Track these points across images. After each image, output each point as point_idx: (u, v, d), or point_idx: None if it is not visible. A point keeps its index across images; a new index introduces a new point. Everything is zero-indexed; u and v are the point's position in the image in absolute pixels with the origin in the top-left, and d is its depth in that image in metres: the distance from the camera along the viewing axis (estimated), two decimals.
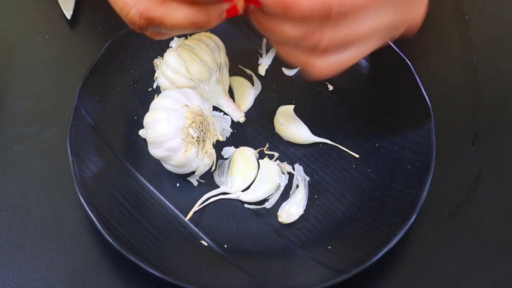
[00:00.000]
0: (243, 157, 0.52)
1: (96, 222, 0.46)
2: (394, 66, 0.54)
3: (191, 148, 0.48)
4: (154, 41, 0.55)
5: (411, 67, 0.53)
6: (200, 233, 0.49)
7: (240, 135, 0.54)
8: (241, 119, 0.55)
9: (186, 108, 0.48)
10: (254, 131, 0.55)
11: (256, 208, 0.50)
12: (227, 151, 0.53)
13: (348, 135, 0.54)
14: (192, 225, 0.49)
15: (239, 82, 0.57)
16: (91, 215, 0.46)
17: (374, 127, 0.54)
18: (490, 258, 0.48)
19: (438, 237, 0.49)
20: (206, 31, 0.53)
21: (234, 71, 0.57)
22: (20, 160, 0.53)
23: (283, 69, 0.58)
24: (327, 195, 0.51)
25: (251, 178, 0.51)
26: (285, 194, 0.51)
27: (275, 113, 0.55)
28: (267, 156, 0.53)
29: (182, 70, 0.51)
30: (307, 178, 0.51)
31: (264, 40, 0.59)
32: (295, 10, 0.37)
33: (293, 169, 0.52)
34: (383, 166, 0.51)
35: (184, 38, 0.53)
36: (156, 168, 0.51)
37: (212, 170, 0.51)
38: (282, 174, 0.52)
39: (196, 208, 0.50)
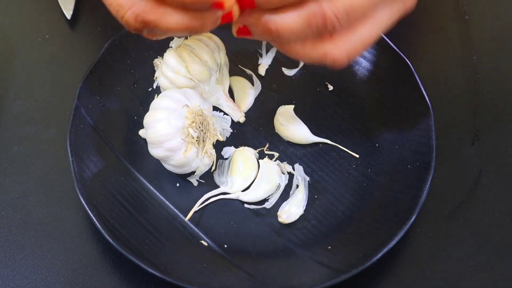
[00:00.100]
0: (243, 157, 0.52)
1: (96, 222, 0.46)
2: (394, 66, 0.54)
3: (191, 148, 0.48)
4: (154, 41, 0.55)
5: (411, 67, 0.53)
6: (200, 233, 0.49)
7: (240, 135, 0.54)
8: (241, 119, 0.55)
9: (186, 108, 0.48)
10: (254, 131, 0.55)
11: (256, 208, 0.50)
12: (227, 151, 0.53)
13: (348, 135, 0.54)
14: (192, 225, 0.49)
15: (239, 82, 0.57)
16: (91, 215, 0.46)
17: (374, 127, 0.54)
18: (490, 258, 0.48)
19: (438, 237, 0.49)
20: None
21: (234, 71, 0.57)
22: (20, 160, 0.53)
23: (283, 69, 0.58)
24: (327, 195, 0.51)
25: (251, 178, 0.51)
26: (285, 194, 0.51)
27: (275, 113, 0.55)
28: (267, 156, 0.53)
29: (182, 70, 0.51)
30: (307, 178, 0.51)
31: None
32: None
33: (293, 169, 0.52)
34: (383, 166, 0.51)
35: (184, 38, 0.53)
36: (156, 168, 0.51)
37: (212, 170, 0.51)
38: (282, 174, 0.52)
39: (196, 208, 0.50)
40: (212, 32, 0.53)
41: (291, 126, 0.53)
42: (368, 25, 0.40)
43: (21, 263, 0.48)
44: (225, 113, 0.55)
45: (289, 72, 0.58)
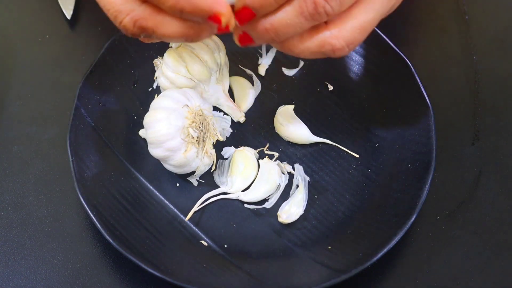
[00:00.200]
0: (243, 157, 0.52)
1: (96, 222, 0.46)
2: (394, 66, 0.54)
3: (191, 148, 0.48)
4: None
5: (411, 67, 0.53)
6: (200, 233, 0.49)
7: (240, 135, 0.54)
8: (241, 119, 0.55)
9: (186, 108, 0.48)
10: (254, 131, 0.55)
11: (256, 208, 0.50)
12: (227, 151, 0.53)
13: (348, 135, 0.54)
14: (192, 225, 0.49)
15: (239, 82, 0.57)
16: (91, 215, 0.46)
17: (374, 127, 0.54)
18: (490, 258, 0.48)
19: (438, 237, 0.49)
20: None
21: (234, 71, 0.57)
22: (20, 160, 0.53)
23: (283, 69, 0.58)
24: (327, 195, 0.51)
25: (251, 178, 0.51)
26: (285, 194, 0.51)
27: (275, 113, 0.55)
28: (267, 156, 0.53)
29: (182, 70, 0.51)
30: (307, 178, 0.51)
31: None
32: None
33: (293, 169, 0.52)
34: (383, 166, 0.51)
35: None
36: (156, 168, 0.51)
37: (212, 170, 0.51)
38: (282, 174, 0.52)
39: (196, 208, 0.50)
40: None
41: (291, 126, 0.53)
42: (362, 9, 0.40)
43: (21, 263, 0.48)
44: (225, 113, 0.55)
45: (289, 72, 0.58)
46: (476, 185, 0.52)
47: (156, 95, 0.51)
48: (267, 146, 0.53)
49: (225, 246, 0.48)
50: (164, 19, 0.38)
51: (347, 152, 0.53)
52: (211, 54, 0.52)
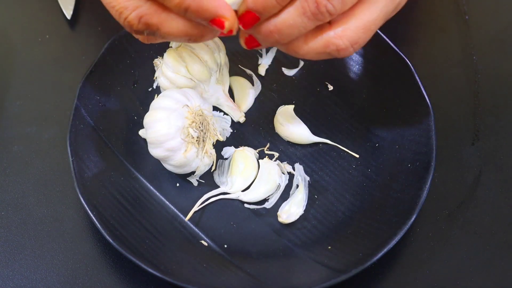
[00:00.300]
0: (243, 157, 0.52)
1: (96, 222, 0.46)
2: (394, 66, 0.54)
3: (191, 148, 0.48)
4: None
5: (411, 67, 0.53)
6: (200, 233, 0.49)
7: (240, 135, 0.54)
8: (241, 119, 0.55)
9: (186, 108, 0.48)
10: (254, 131, 0.55)
11: (256, 208, 0.50)
12: (227, 151, 0.53)
13: (348, 135, 0.54)
14: (192, 225, 0.49)
15: (239, 82, 0.57)
16: (91, 215, 0.46)
17: (374, 127, 0.54)
18: (490, 258, 0.48)
19: (438, 237, 0.49)
20: None
21: (234, 71, 0.57)
22: (20, 160, 0.53)
23: (283, 69, 0.58)
24: (327, 195, 0.51)
25: (251, 178, 0.51)
26: (285, 194, 0.51)
27: (275, 113, 0.55)
28: (267, 156, 0.53)
29: (182, 70, 0.51)
30: (307, 178, 0.51)
31: None
32: None
33: (293, 169, 0.52)
34: (383, 166, 0.51)
35: None
36: (156, 168, 0.51)
37: (212, 170, 0.51)
38: (282, 174, 0.52)
39: (196, 208, 0.50)
40: None
41: (291, 126, 0.53)
42: (366, 8, 0.40)
43: (21, 263, 0.48)
44: (225, 113, 0.55)
45: (289, 72, 0.58)
46: (476, 185, 0.52)
47: (156, 95, 0.51)
48: (268, 146, 0.53)
49: (225, 246, 0.48)
50: (169, 17, 0.39)
51: (347, 152, 0.53)
52: (211, 54, 0.52)
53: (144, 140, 0.50)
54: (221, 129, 0.53)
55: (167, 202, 0.50)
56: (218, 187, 0.51)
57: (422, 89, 0.52)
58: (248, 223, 0.49)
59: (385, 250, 0.44)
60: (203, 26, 0.39)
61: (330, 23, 0.40)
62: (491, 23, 0.63)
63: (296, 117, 0.54)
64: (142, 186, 0.51)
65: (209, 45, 0.52)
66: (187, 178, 0.51)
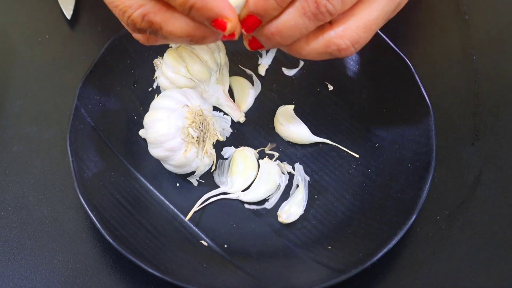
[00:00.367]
0: (243, 157, 0.52)
1: (96, 222, 0.46)
2: (394, 66, 0.54)
3: (191, 148, 0.48)
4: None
5: (411, 67, 0.53)
6: (200, 233, 0.49)
7: (240, 135, 0.54)
8: (241, 119, 0.55)
9: (186, 108, 0.48)
10: (254, 131, 0.55)
11: (256, 208, 0.50)
12: (227, 151, 0.53)
13: (348, 135, 0.54)
14: (192, 225, 0.49)
15: (239, 82, 0.57)
16: (91, 215, 0.46)
17: (374, 127, 0.54)
18: (490, 258, 0.48)
19: (438, 237, 0.49)
20: None
21: (234, 71, 0.57)
22: (20, 160, 0.53)
23: (283, 69, 0.58)
24: (327, 195, 0.51)
25: (251, 178, 0.51)
26: (285, 194, 0.51)
27: (275, 113, 0.55)
28: (267, 156, 0.53)
29: (182, 70, 0.51)
30: (307, 178, 0.51)
31: None
32: None
33: (293, 169, 0.52)
34: (383, 166, 0.51)
35: None
36: (156, 168, 0.51)
37: (212, 170, 0.51)
38: (282, 174, 0.52)
39: (196, 208, 0.50)
40: None
41: (291, 126, 0.53)
42: (366, 8, 0.40)
43: (21, 263, 0.48)
44: (225, 113, 0.55)
45: (289, 72, 0.58)
46: (476, 185, 0.52)
47: (156, 95, 0.51)
48: (269, 146, 0.53)
49: (225, 246, 0.48)
50: (172, 16, 0.39)
51: (347, 152, 0.53)
52: (211, 54, 0.52)
53: (144, 140, 0.50)
54: (221, 129, 0.53)
55: (167, 202, 0.50)
56: (218, 187, 0.51)
57: (422, 89, 0.52)
58: (248, 223, 0.49)
59: (385, 250, 0.44)
60: (205, 27, 0.39)
61: (331, 23, 0.40)
62: (491, 23, 0.63)
63: (296, 117, 0.54)
64: (142, 186, 0.51)
65: (209, 45, 0.52)
66: (187, 178, 0.51)
